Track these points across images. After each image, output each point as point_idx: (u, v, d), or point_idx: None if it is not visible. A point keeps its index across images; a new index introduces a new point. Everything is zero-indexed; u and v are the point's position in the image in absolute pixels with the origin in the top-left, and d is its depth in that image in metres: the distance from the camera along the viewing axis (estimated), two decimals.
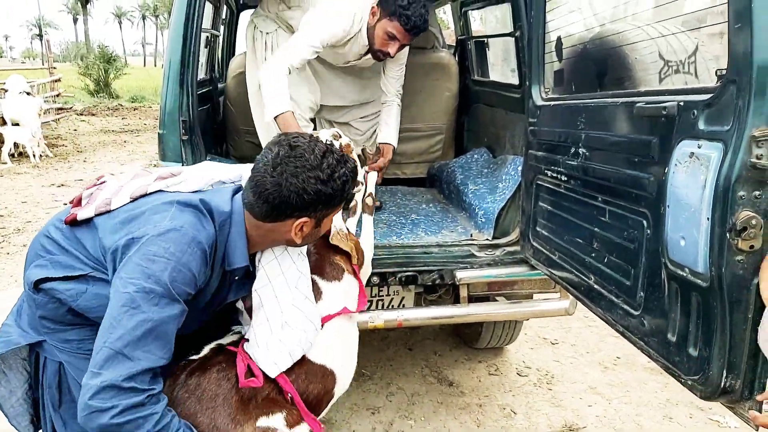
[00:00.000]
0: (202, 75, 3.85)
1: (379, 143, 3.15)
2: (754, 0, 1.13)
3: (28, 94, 10.88)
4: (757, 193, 1.19)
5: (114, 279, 1.40)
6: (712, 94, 1.28)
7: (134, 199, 1.60)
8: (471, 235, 2.95)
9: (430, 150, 3.97)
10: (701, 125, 1.30)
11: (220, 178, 1.72)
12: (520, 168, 2.86)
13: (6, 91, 10.68)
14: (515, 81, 3.19)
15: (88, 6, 64.72)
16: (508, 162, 3.11)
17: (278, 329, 1.64)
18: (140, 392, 1.29)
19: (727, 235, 1.20)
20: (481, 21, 3.96)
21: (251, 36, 3.22)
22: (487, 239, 2.86)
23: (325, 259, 1.90)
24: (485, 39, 3.75)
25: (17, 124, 10.18)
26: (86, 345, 1.58)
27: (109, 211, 1.58)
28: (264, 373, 1.61)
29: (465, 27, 3.96)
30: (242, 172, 1.72)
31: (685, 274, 1.36)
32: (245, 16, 4.51)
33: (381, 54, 2.84)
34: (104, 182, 1.75)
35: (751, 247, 1.20)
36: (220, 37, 4.50)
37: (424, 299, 2.86)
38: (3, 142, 10.51)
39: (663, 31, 1.56)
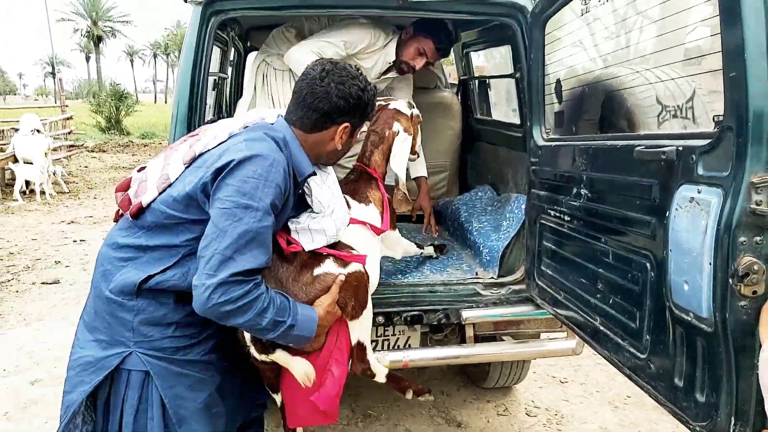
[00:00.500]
0: (210, 117, 3.92)
1: (414, 177, 3.24)
2: (747, 49, 1.15)
3: (38, 132, 11.04)
4: (758, 238, 1.19)
5: (212, 201, 1.58)
6: (710, 140, 1.29)
7: (188, 165, 1.71)
8: (476, 274, 2.95)
9: (434, 187, 3.99)
10: (700, 170, 1.31)
11: (246, 123, 1.83)
12: (523, 206, 2.87)
13: (17, 130, 10.86)
14: (517, 120, 3.23)
15: (101, 45, 66.25)
16: (511, 200, 3.12)
17: (315, 216, 1.94)
18: (248, 283, 1.56)
19: (730, 280, 1.20)
20: (485, 59, 4.03)
21: (262, 74, 3.28)
22: (492, 277, 2.85)
23: (361, 190, 2.39)
24: (487, 79, 3.81)
25: (30, 162, 10.34)
26: (182, 351, 1.73)
27: (170, 184, 1.69)
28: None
29: (467, 67, 4.02)
30: (262, 114, 1.88)
31: (689, 319, 1.35)
32: (252, 57, 4.58)
33: (406, 67, 3.07)
34: (145, 167, 1.82)
35: (754, 292, 1.19)
36: (228, 79, 4.58)
37: (430, 339, 2.84)
38: (15, 180, 10.67)
39: (661, 75, 1.59)
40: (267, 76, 3.25)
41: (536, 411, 3.50)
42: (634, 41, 1.76)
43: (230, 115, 4.42)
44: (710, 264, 1.25)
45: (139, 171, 1.82)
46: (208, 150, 1.72)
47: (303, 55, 2.83)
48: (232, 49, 4.38)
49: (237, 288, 1.53)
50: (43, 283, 5.87)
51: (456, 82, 4.34)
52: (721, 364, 1.28)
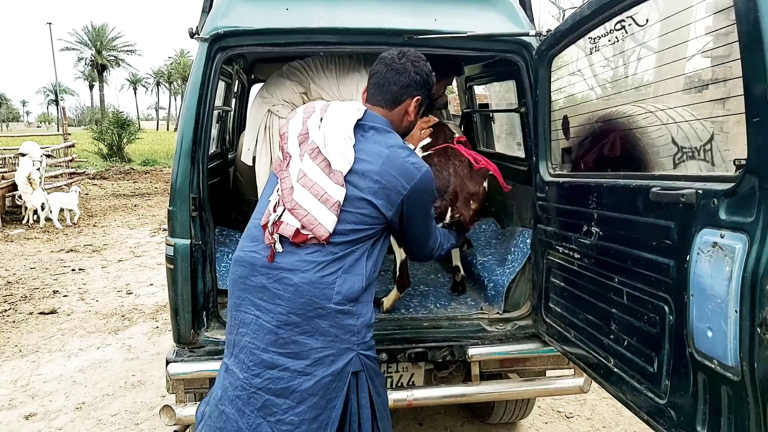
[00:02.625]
0: (213, 149, 3.91)
1: None
2: None
3: (22, 156, 10.88)
4: None
5: (414, 207, 1.92)
6: (732, 184, 1.27)
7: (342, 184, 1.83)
8: (481, 308, 2.91)
9: None
10: (722, 215, 1.29)
11: (349, 125, 1.92)
12: (528, 240, 2.84)
13: (25, 155, 10.79)
14: (521, 154, 3.23)
15: (105, 73, 66.75)
16: (516, 234, 3.09)
17: None
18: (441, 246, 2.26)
19: (758, 329, 1.17)
20: (486, 89, 4.04)
21: (265, 124, 3.22)
22: (498, 313, 2.81)
23: None
24: (491, 113, 3.81)
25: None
26: (375, 350, 1.97)
27: (341, 205, 1.83)
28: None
29: (470, 100, 4.04)
30: (348, 108, 1.99)
31: (713, 366, 1.32)
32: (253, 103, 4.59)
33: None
34: (278, 201, 1.88)
35: None
36: (232, 112, 4.59)
37: (434, 376, 2.78)
38: (16, 207, 10.67)
39: (675, 117, 1.57)
40: (270, 127, 3.21)
41: None
42: (645, 81, 1.75)
43: (233, 145, 4.42)
44: (736, 311, 1.21)
45: (274, 209, 1.87)
46: (354, 164, 1.85)
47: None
48: (237, 82, 4.41)
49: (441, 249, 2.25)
50: (40, 313, 5.79)
51: (459, 113, 4.36)
52: (749, 414, 1.24)
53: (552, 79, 2.38)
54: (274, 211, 1.86)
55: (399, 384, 2.72)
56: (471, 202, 2.83)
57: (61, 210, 10.62)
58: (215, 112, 3.79)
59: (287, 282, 1.82)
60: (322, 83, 3.22)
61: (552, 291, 2.39)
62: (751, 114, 1.19)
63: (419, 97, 2.04)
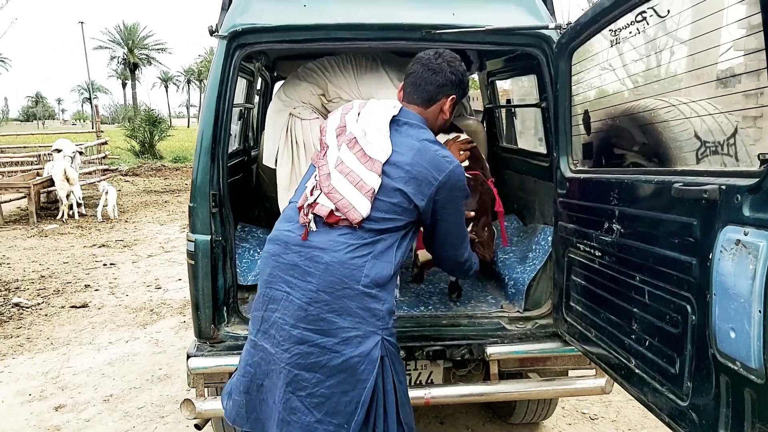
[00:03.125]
0: (236, 146, 3.94)
1: None
2: None
3: (57, 152, 11.17)
4: None
5: (446, 201, 1.96)
6: (757, 179, 1.22)
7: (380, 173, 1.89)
8: (501, 306, 2.87)
9: None
10: (746, 211, 1.24)
11: (385, 119, 1.98)
12: (550, 238, 2.80)
13: (60, 151, 11.06)
14: (543, 150, 3.17)
15: (137, 72, 67.95)
16: (538, 231, 3.05)
17: None
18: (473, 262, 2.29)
19: None
20: (511, 84, 3.99)
21: (287, 127, 3.22)
22: (518, 311, 2.77)
23: None
24: (513, 108, 3.76)
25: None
26: (395, 337, 2.01)
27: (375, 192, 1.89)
28: None
29: (492, 95, 3.99)
30: (384, 106, 2.05)
31: (736, 368, 1.27)
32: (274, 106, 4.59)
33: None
34: (315, 186, 1.94)
35: None
36: (255, 109, 4.61)
37: (453, 374, 2.75)
38: (51, 203, 10.95)
39: (698, 110, 1.52)
40: (293, 129, 3.20)
41: None
42: (668, 73, 1.70)
43: (257, 141, 4.45)
44: (760, 312, 1.17)
45: (311, 193, 1.94)
46: (390, 156, 1.92)
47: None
48: (259, 79, 4.43)
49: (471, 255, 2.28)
50: (72, 306, 5.93)
51: (481, 109, 4.31)
52: None
53: (573, 73, 2.33)
54: (311, 194, 1.93)
55: (417, 382, 2.70)
56: (486, 229, 2.87)
57: (105, 205, 10.89)
58: (237, 110, 3.83)
59: (318, 260, 1.87)
60: (340, 83, 3.21)
61: (573, 289, 2.35)
62: None
63: (454, 95, 2.11)
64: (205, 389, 2.50)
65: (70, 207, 10.84)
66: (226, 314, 2.55)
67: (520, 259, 3.08)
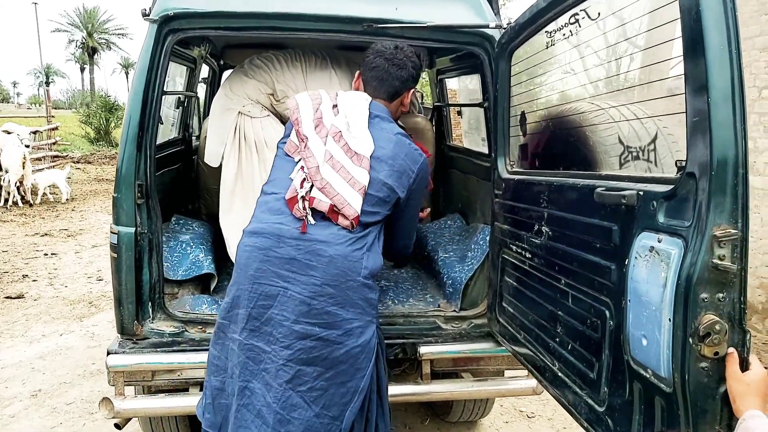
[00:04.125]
0: (174, 135, 3.80)
1: None
2: (711, 93, 1.08)
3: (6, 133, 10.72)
4: (720, 295, 1.11)
5: (415, 192, 2.07)
6: (672, 186, 1.21)
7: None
8: (439, 305, 2.85)
9: None
10: (661, 218, 1.23)
11: (363, 113, 2.02)
12: (488, 238, 2.79)
13: (9, 133, 10.56)
14: (485, 150, 3.16)
15: (96, 56, 65.55)
16: (478, 231, 3.04)
17: None
18: None
19: (690, 340, 1.11)
20: (457, 84, 3.97)
21: (235, 124, 3.04)
22: (454, 310, 2.75)
23: None
24: (459, 107, 3.75)
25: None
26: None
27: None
28: None
29: (441, 93, 3.96)
30: (357, 98, 2.09)
31: (648, 376, 1.26)
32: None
33: None
34: (304, 179, 1.92)
35: (716, 353, 1.11)
36: (200, 97, 4.47)
37: (387, 374, 2.71)
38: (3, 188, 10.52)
39: (626, 114, 1.51)
40: (241, 127, 3.04)
41: None
42: (600, 76, 1.69)
43: (199, 134, 4.30)
44: (670, 320, 1.16)
45: (301, 185, 1.91)
46: (373, 151, 1.95)
47: None
48: (206, 67, 4.29)
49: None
50: (6, 297, 5.66)
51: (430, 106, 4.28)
52: (679, 428, 1.19)
53: (512, 74, 2.32)
54: (302, 186, 1.91)
55: None
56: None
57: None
58: (174, 98, 3.69)
59: (321, 253, 1.87)
60: (287, 81, 3.10)
61: (505, 290, 2.34)
62: (690, 114, 1.12)
63: (412, 88, 2.22)
64: (125, 387, 2.39)
65: (17, 194, 10.38)
66: (150, 310, 2.45)
67: (459, 258, 3.06)
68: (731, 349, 1.11)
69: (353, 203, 1.88)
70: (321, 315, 1.84)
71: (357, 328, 1.89)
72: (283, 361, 1.83)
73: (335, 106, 2.04)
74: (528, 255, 2.05)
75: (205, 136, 3.33)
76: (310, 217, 1.89)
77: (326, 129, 1.98)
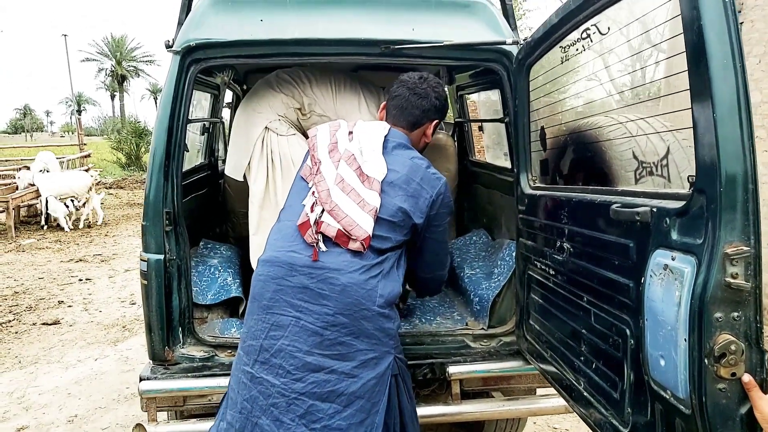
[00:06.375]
0: (200, 160, 3.89)
1: None
2: (717, 108, 1.06)
3: (47, 171, 11.29)
4: (735, 314, 1.08)
5: (437, 217, 2.03)
6: (684, 202, 1.19)
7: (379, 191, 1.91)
8: (466, 323, 2.83)
9: None
10: (674, 235, 1.21)
11: (378, 140, 2.02)
12: (514, 253, 2.76)
13: (27, 168, 11.14)
14: (508, 164, 3.15)
15: (125, 84, 67.71)
16: (503, 246, 3.02)
17: None
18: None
19: (705, 360, 1.09)
20: (477, 97, 3.97)
21: (262, 139, 3.05)
22: (482, 328, 2.73)
23: None
24: (480, 123, 3.74)
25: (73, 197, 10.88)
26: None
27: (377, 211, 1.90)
28: None
29: (461, 109, 3.97)
30: (376, 128, 2.08)
31: (667, 397, 1.23)
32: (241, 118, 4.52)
33: None
34: (314, 206, 1.91)
35: (733, 374, 1.08)
36: (225, 122, 4.56)
37: (417, 394, 2.70)
38: (32, 216, 10.98)
39: (644, 127, 1.50)
40: (268, 142, 3.04)
41: None
42: (614, 89, 1.67)
43: (224, 159, 4.39)
44: (685, 340, 1.13)
45: (311, 210, 1.91)
46: (386, 175, 1.94)
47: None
48: (230, 93, 4.39)
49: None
50: (43, 323, 5.83)
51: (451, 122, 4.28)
52: None
53: (531, 89, 2.31)
54: (312, 210, 1.89)
55: None
56: None
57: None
58: (199, 125, 3.79)
59: (334, 282, 1.83)
60: (317, 97, 3.11)
61: (531, 307, 2.31)
62: (696, 129, 1.11)
63: (437, 120, 2.20)
64: (158, 413, 2.44)
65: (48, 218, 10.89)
66: (181, 335, 2.50)
67: (486, 275, 3.04)
68: (747, 376, 1.07)
69: (363, 224, 1.84)
70: (334, 346, 1.80)
71: (372, 360, 1.83)
72: (295, 394, 1.77)
73: (351, 132, 2.04)
74: (552, 272, 2.03)
75: (228, 153, 3.36)
76: (321, 244, 1.85)
77: (339, 154, 1.97)
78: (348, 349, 1.81)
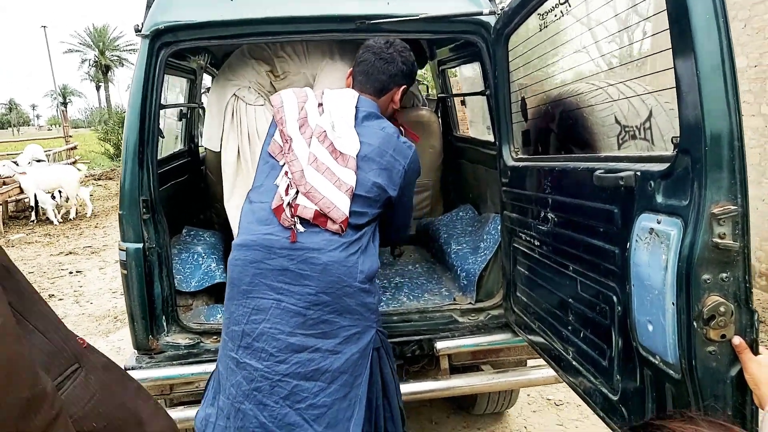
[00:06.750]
0: (180, 147, 3.82)
1: None
2: (700, 65, 1.03)
3: (37, 162, 11.15)
4: (724, 275, 1.06)
5: (408, 185, 2.02)
6: (668, 164, 1.16)
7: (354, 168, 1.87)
8: (454, 299, 2.81)
9: (417, 206, 3.87)
10: (659, 198, 1.18)
11: (348, 111, 1.96)
12: (500, 227, 2.74)
13: (16, 163, 10.95)
14: (491, 138, 3.11)
15: (109, 74, 66.51)
16: (489, 220, 2.99)
17: None
18: None
19: (694, 323, 1.07)
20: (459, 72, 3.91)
21: (232, 109, 3.05)
22: (470, 303, 2.71)
23: None
24: (462, 97, 3.69)
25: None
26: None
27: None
28: None
29: (444, 84, 3.91)
30: (341, 96, 2.03)
31: (657, 362, 1.22)
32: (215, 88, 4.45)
33: None
34: (288, 185, 1.86)
35: (723, 336, 1.06)
36: (204, 107, 4.47)
37: (406, 371, 2.69)
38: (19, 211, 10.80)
39: (626, 92, 1.46)
40: (237, 110, 3.03)
41: None
42: (594, 54, 1.64)
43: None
44: (673, 304, 1.11)
45: (286, 192, 1.86)
46: (359, 149, 1.89)
47: None
48: (209, 77, 4.30)
49: None
50: None
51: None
52: None
53: (510, 59, 2.27)
54: (287, 193, 1.85)
55: None
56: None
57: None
58: (177, 110, 3.71)
59: (315, 262, 1.81)
60: (288, 56, 3.06)
61: (518, 280, 2.30)
62: (680, 86, 1.08)
63: (405, 86, 2.13)
64: None
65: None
66: (165, 323, 2.46)
67: (472, 249, 3.02)
68: (737, 338, 1.05)
69: (340, 205, 1.82)
70: (318, 324, 1.79)
71: (354, 335, 1.84)
72: (279, 376, 1.77)
73: (321, 104, 1.97)
74: (537, 243, 2.00)
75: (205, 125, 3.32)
76: (298, 225, 1.83)
77: (311, 129, 1.92)
78: (331, 326, 1.81)
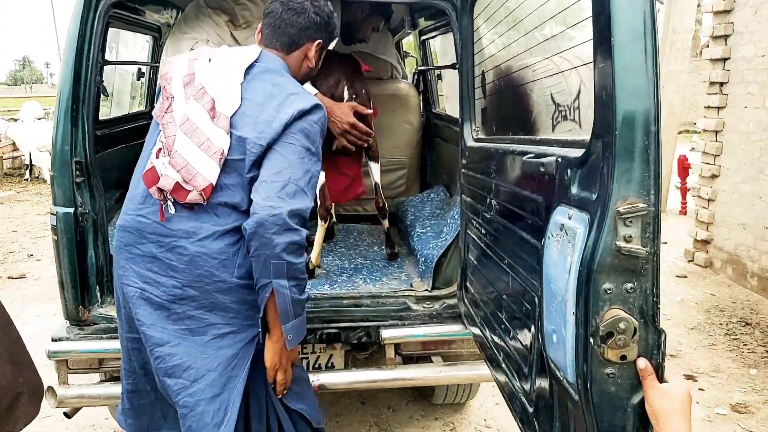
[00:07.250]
0: (139, 108, 3.66)
1: None
2: (615, 31, 0.85)
3: (38, 119, 11.07)
4: (629, 286, 0.89)
5: (278, 142, 1.59)
6: (584, 150, 0.99)
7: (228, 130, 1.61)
8: (411, 284, 2.66)
9: (391, 186, 3.70)
10: (573, 189, 1.01)
11: (239, 65, 1.71)
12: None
13: (15, 120, 10.89)
14: None
15: None
16: (456, 204, 2.82)
17: None
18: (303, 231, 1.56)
19: (591, 340, 0.90)
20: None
21: None
22: (426, 290, 2.56)
23: None
24: (439, 70, 3.49)
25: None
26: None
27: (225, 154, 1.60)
28: None
29: (424, 56, 3.71)
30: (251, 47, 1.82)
31: (561, 378, 1.06)
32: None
33: None
34: (160, 151, 1.64)
35: (623, 357, 0.89)
36: None
37: (353, 358, 2.56)
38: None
39: (559, 65, 1.28)
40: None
41: (486, 431, 3.21)
42: (542, 20, 1.44)
43: None
44: (573, 314, 0.95)
45: (157, 156, 1.64)
46: (239, 107, 1.63)
47: None
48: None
49: (303, 227, 1.55)
50: (9, 277, 5.69)
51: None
52: None
53: (474, 28, 2.08)
54: (158, 158, 1.64)
55: (317, 366, 2.50)
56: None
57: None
58: (138, 69, 3.54)
59: (182, 252, 1.62)
60: (247, 2, 2.82)
61: (468, 269, 2.14)
62: (596, 59, 0.90)
63: (320, 40, 1.87)
64: (74, 375, 2.29)
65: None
66: (99, 294, 2.33)
67: (435, 233, 2.86)
68: (642, 361, 0.89)
69: (204, 171, 1.56)
70: (183, 320, 1.62)
71: (228, 334, 1.65)
72: (152, 369, 1.68)
73: (211, 60, 1.72)
74: (483, 231, 1.84)
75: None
76: (169, 205, 1.61)
77: (193, 87, 1.67)
78: (198, 323, 1.63)
